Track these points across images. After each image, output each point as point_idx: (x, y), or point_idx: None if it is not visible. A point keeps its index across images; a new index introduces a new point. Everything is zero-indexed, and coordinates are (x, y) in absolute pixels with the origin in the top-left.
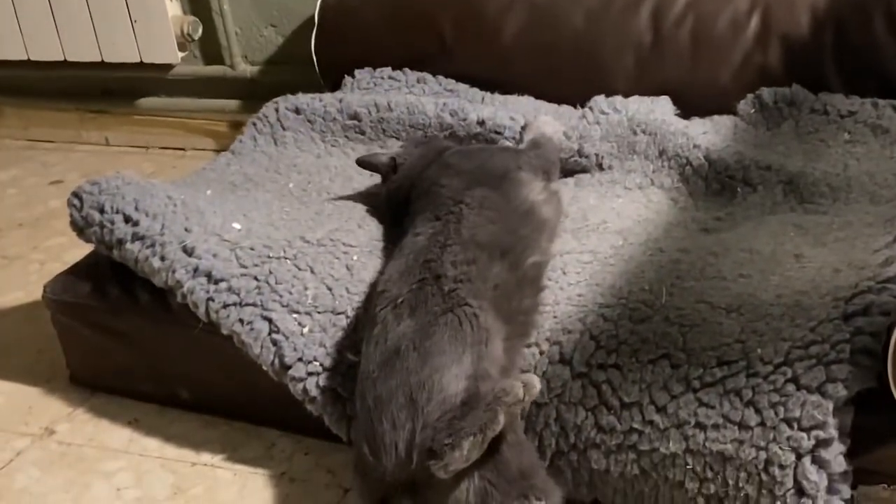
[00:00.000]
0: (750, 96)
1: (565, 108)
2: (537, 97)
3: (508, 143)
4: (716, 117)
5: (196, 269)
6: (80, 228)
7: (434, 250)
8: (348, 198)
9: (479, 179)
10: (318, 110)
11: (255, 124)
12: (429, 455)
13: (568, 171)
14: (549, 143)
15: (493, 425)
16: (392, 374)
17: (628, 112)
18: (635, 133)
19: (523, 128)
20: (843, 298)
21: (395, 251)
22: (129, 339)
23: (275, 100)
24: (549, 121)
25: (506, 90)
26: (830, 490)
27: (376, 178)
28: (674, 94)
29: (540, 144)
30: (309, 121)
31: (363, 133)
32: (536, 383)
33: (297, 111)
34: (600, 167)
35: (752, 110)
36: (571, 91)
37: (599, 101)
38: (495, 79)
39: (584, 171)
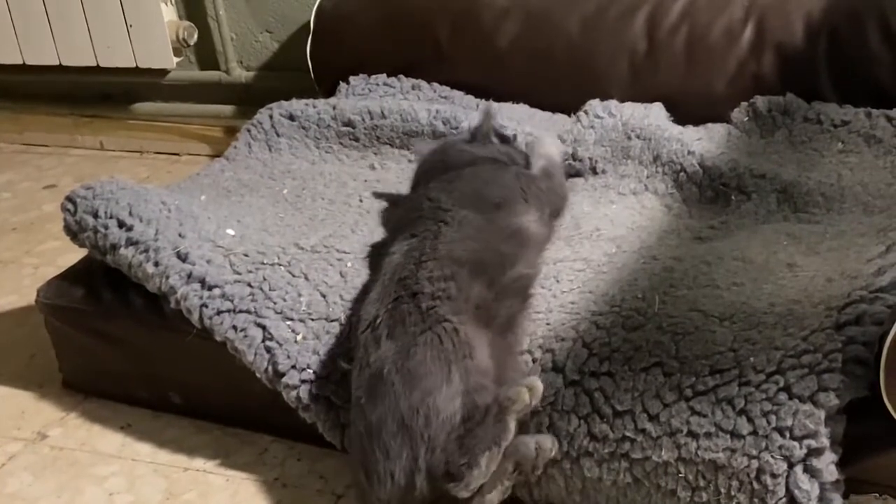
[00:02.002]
0: (744, 104)
1: (559, 117)
2: (532, 104)
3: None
4: (709, 125)
5: (190, 275)
6: (74, 233)
7: (409, 267)
8: (343, 202)
9: (471, 202)
10: (312, 117)
11: (249, 130)
12: (447, 478)
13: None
14: (559, 173)
15: (505, 435)
16: (379, 401)
17: (623, 117)
18: (629, 138)
19: (526, 145)
20: (836, 308)
21: (377, 272)
22: (123, 343)
23: (269, 106)
24: (555, 143)
25: (501, 97)
26: (822, 499)
27: (372, 185)
28: (668, 102)
29: (551, 175)
30: (303, 127)
31: (357, 140)
32: (539, 385)
33: (292, 118)
34: (594, 171)
35: (746, 118)
36: (566, 98)
37: (594, 104)
38: (491, 85)
39: (578, 175)
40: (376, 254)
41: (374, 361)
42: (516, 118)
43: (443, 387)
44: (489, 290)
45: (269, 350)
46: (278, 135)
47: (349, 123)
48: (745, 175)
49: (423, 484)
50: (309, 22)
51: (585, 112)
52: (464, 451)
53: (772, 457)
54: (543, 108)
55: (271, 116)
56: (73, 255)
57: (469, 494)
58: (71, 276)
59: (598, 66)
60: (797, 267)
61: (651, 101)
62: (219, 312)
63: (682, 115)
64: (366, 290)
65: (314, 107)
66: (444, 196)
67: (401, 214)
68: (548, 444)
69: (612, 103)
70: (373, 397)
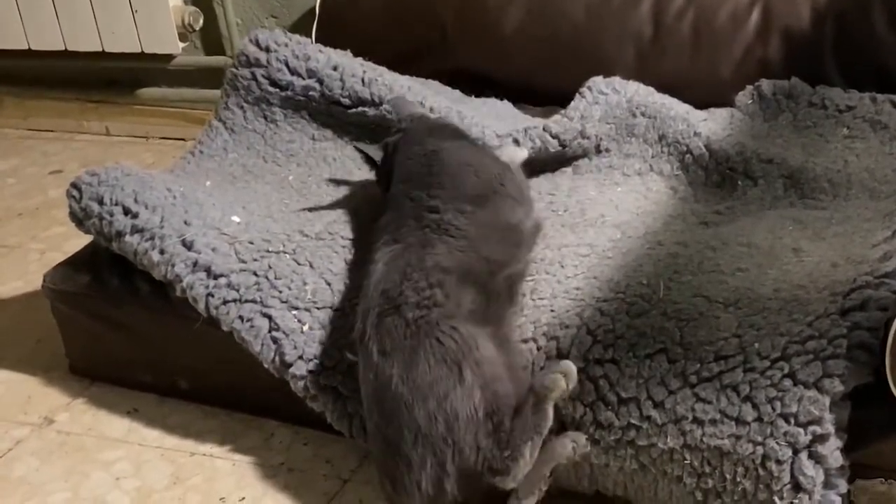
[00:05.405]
0: (749, 87)
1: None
2: (537, 89)
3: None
4: (713, 109)
5: (195, 264)
6: (80, 220)
7: (392, 278)
8: (347, 189)
9: (455, 196)
10: (299, 90)
11: (237, 89)
12: (492, 474)
13: (568, 159)
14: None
15: (545, 423)
16: (392, 416)
17: (627, 93)
18: (634, 115)
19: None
20: (841, 293)
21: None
22: (129, 329)
23: (244, 55)
24: (518, 151)
25: (506, 82)
26: (827, 485)
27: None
28: (674, 88)
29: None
30: (295, 100)
31: (353, 122)
32: (573, 368)
33: (279, 87)
34: (598, 150)
35: (750, 101)
36: (571, 83)
37: (597, 81)
38: (496, 71)
39: (582, 155)
40: (362, 254)
41: (375, 378)
42: (482, 114)
43: (456, 388)
44: (480, 294)
45: (275, 340)
46: (270, 103)
47: (338, 103)
48: (753, 160)
49: (454, 488)
50: (314, 7)
51: (589, 88)
52: (504, 446)
53: (777, 443)
54: (548, 94)
55: (255, 79)
56: (79, 240)
57: (515, 485)
58: (77, 261)
59: (603, 51)
60: (802, 252)
61: (656, 86)
62: (225, 302)
63: (688, 100)
64: (355, 288)
65: (299, 75)
66: (424, 194)
67: (384, 214)
68: (582, 440)
69: (616, 80)
70: (384, 413)
